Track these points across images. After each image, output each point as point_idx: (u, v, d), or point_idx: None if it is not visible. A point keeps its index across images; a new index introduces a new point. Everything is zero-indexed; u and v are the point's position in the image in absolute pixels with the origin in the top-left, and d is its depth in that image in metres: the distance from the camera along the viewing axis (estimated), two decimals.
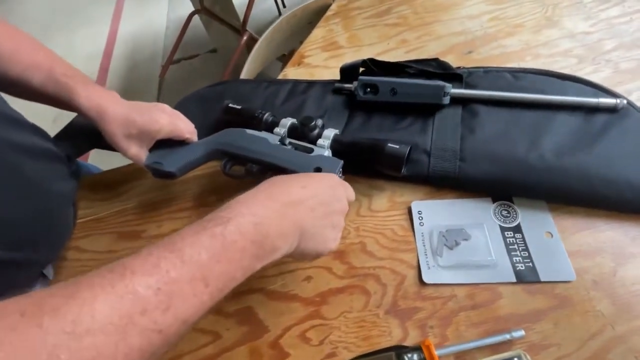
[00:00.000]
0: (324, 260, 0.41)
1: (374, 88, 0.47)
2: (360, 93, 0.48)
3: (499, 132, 0.42)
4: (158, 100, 1.87)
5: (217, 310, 0.41)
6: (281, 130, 0.44)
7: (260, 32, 1.46)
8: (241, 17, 1.65)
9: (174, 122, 0.44)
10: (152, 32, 2.30)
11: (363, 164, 0.42)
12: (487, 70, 0.49)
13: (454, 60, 0.54)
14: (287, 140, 0.43)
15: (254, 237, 0.26)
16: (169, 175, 0.44)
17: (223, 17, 1.53)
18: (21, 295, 0.20)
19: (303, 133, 0.43)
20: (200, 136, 0.47)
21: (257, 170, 0.42)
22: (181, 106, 0.56)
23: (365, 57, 0.61)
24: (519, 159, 0.39)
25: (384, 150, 0.39)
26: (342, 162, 0.40)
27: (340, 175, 0.40)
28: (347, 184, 0.36)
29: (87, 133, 0.46)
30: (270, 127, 0.44)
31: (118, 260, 0.22)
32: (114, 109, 0.41)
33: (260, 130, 0.44)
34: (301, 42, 0.91)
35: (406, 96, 0.45)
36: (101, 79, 2.01)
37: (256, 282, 0.41)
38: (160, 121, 0.42)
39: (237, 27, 1.53)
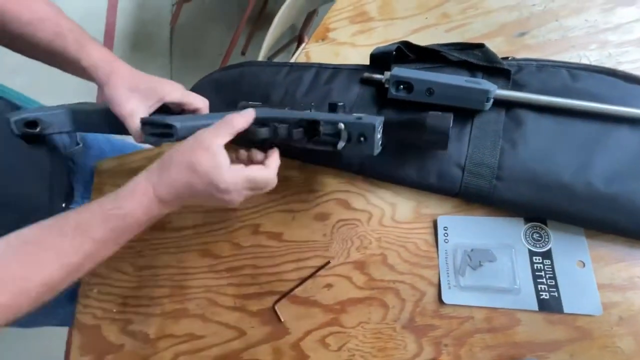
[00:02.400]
0: (344, 269, 0.42)
1: (408, 86, 0.42)
2: (393, 90, 0.43)
3: (544, 148, 0.38)
4: (170, 44, 1.78)
5: (242, 308, 0.43)
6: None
7: None
8: None
9: (186, 91, 0.42)
10: None
11: (404, 146, 0.40)
12: (541, 66, 0.43)
13: (502, 45, 0.47)
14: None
15: (146, 219, 0.35)
16: (168, 135, 0.36)
17: None
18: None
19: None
20: None
21: (283, 130, 0.37)
22: (197, 91, 0.53)
23: (398, 33, 0.54)
24: (563, 185, 0.36)
25: (425, 124, 0.36)
26: (382, 118, 0.37)
27: (380, 133, 0.36)
28: (241, 180, 0.35)
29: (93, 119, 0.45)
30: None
31: (51, 240, 0.33)
32: (123, 65, 0.40)
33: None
34: (326, 1, 0.81)
35: (444, 98, 0.41)
36: (111, 18, 1.91)
37: (278, 284, 0.43)
38: (172, 85, 0.41)
39: None
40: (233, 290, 0.44)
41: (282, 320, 0.41)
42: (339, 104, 0.39)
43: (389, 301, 0.39)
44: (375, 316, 0.39)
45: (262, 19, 1.58)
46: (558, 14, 0.48)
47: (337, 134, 0.36)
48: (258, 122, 0.37)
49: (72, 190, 0.54)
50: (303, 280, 0.42)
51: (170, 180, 0.34)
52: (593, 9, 0.47)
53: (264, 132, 0.36)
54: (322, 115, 0.37)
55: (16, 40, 0.40)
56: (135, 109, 0.39)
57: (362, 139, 0.35)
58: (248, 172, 0.35)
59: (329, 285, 0.42)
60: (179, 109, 0.42)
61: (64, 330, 1.24)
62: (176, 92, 0.40)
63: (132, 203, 0.34)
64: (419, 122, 0.37)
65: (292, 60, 0.55)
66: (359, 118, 0.36)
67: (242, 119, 0.36)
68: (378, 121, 0.35)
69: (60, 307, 0.51)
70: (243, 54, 1.62)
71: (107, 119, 0.41)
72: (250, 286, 0.44)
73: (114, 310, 0.48)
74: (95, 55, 0.39)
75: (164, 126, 0.36)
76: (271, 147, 0.38)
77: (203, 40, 1.77)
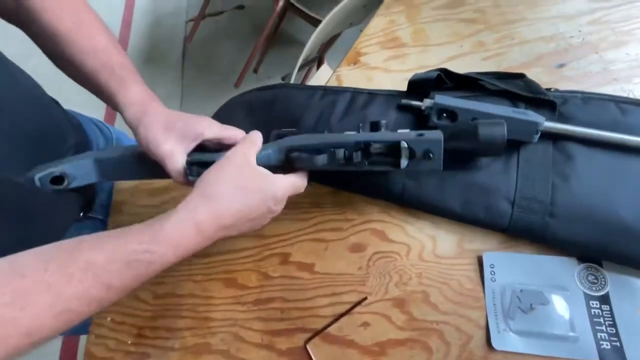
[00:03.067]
0: (382, 307, 0.39)
1: (452, 114, 0.41)
2: (434, 118, 0.42)
3: (600, 184, 0.36)
4: (183, 60, 1.79)
5: (270, 345, 0.40)
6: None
7: None
8: None
9: (223, 126, 0.39)
10: None
11: (457, 157, 0.38)
12: (587, 98, 0.42)
13: (541, 76, 0.46)
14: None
15: (174, 258, 0.31)
16: None
17: None
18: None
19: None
20: None
21: (340, 154, 0.35)
22: (225, 113, 0.52)
23: (433, 60, 0.53)
24: (622, 224, 0.34)
25: (477, 134, 0.35)
26: (441, 134, 0.34)
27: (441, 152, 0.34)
28: (287, 187, 0.35)
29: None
30: None
31: (63, 280, 0.27)
32: (159, 105, 0.38)
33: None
34: (351, 24, 0.82)
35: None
36: (124, 35, 1.93)
37: (310, 321, 0.40)
38: (208, 121, 0.38)
39: None
40: (260, 325, 0.41)
41: None
42: (382, 122, 0.37)
43: (432, 344, 0.37)
44: None
45: (276, 37, 1.60)
46: (597, 46, 0.48)
47: (398, 153, 0.34)
48: (309, 149, 0.36)
49: (94, 198, 0.52)
50: (338, 317, 0.39)
51: (222, 210, 0.31)
52: (634, 42, 0.47)
53: (321, 159, 0.35)
54: (382, 136, 0.35)
55: (67, 63, 0.40)
56: (173, 148, 0.36)
57: (428, 155, 0.34)
58: (293, 178, 0.36)
59: (365, 324, 0.39)
60: (215, 146, 0.39)
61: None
62: (213, 127, 0.37)
63: (165, 247, 0.29)
64: (471, 132, 0.35)
65: (323, 83, 0.54)
66: (421, 135, 0.34)
67: (258, 134, 0.37)
68: (440, 138, 0.34)
69: None
70: (255, 71, 1.64)
71: (140, 163, 0.39)
72: (279, 321, 0.41)
73: (129, 342, 0.44)
74: (133, 95, 0.38)
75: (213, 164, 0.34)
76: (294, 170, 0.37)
77: (215, 57, 1.79)
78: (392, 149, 0.34)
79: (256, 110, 0.50)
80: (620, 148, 0.37)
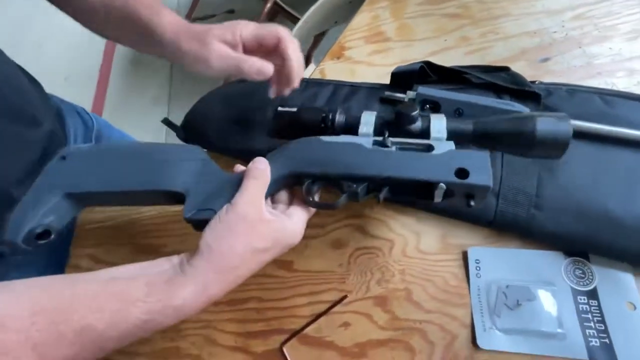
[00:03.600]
0: (363, 306, 0.37)
1: (435, 105, 0.40)
2: (418, 109, 0.40)
3: (587, 176, 0.35)
4: (172, 65, 1.77)
5: (244, 348, 0.38)
6: (366, 127, 0.33)
7: None
8: None
9: (260, 25, 0.38)
10: None
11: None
12: (572, 90, 0.41)
13: (525, 69, 0.46)
14: (389, 141, 0.31)
15: (171, 317, 0.27)
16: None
17: None
18: None
19: (400, 129, 0.32)
20: (232, 144, 0.41)
21: (363, 191, 0.31)
22: (203, 106, 0.50)
23: (417, 55, 0.53)
24: (609, 216, 0.33)
25: (535, 137, 0.28)
26: (488, 154, 0.29)
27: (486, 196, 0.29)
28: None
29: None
30: (345, 132, 0.34)
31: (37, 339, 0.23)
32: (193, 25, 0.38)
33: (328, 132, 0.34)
34: (336, 23, 0.81)
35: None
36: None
37: (287, 321, 0.38)
38: (242, 23, 0.37)
39: None
40: (235, 326, 0.39)
41: None
42: (414, 114, 0.32)
43: (415, 344, 0.35)
44: None
45: None
46: (581, 41, 0.48)
47: (431, 190, 0.29)
48: (320, 178, 0.32)
49: None
50: (316, 317, 0.37)
51: (240, 277, 0.29)
52: (616, 38, 0.47)
53: (342, 200, 0.31)
54: (416, 173, 0.29)
55: (91, 9, 0.39)
56: (221, 47, 0.36)
57: (470, 198, 0.29)
58: (305, 215, 0.33)
59: (346, 324, 0.37)
60: (255, 46, 0.37)
61: None
62: (250, 26, 0.37)
63: (172, 319, 0.27)
64: (526, 132, 0.29)
65: (307, 76, 0.52)
66: (464, 176, 0.28)
67: (265, 166, 0.32)
68: (487, 163, 0.29)
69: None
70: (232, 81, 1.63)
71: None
72: (255, 322, 0.39)
73: None
74: (168, 16, 0.37)
75: None
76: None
77: None
78: (426, 186, 0.29)
79: (233, 102, 0.48)
80: (606, 139, 0.37)
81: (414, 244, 0.39)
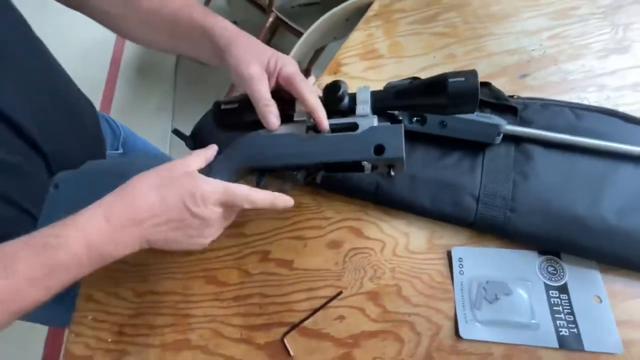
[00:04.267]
0: (357, 300, 0.41)
1: (422, 118, 0.44)
2: (406, 122, 0.45)
3: (556, 182, 0.39)
4: (175, 72, 1.82)
5: (248, 340, 0.41)
6: (301, 116, 0.35)
7: (284, 5, 1.38)
8: None
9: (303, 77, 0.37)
10: None
11: (420, 174, 0.40)
12: (546, 104, 0.45)
13: (506, 85, 0.50)
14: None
15: (88, 255, 0.29)
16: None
17: None
18: None
19: (331, 108, 0.35)
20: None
21: (302, 176, 0.37)
22: (204, 124, 0.54)
23: (408, 70, 0.57)
24: (576, 217, 0.37)
25: (447, 89, 0.31)
26: (402, 126, 0.33)
27: (405, 143, 0.33)
28: (232, 190, 0.32)
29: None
30: (283, 118, 0.36)
31: None
32: (248, 34, 0.39)
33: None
34: (335, 38, 0.86)
35: (456, 131, 0.42)
36: (118, 46, 1.97)
37: (287, 315, 0.41)
38: (291, 62, 0.37)
39: (260, 4, 1.46)
40: (239, 320, 0.42)
41: (292, 354, 0.39)
42: (341, 86, 0.35)
43: (404, 335, 0.38)
44: (390, 350, 0.38)
45: None
46: (557, 58, 0.52)
47: (360, 166, 0.35)
48: (265, 170, 0.37)
49: None
50: (314, 311, 0.41)
51: (135, 202, 0.30)
52: (589, 56, 0.51)
53: (287, 187, 0.37)
54: (342, 156, 0.34)
55: (142, 16, 0.40)
56: (262, 74, 0.35)
57: (391, 168, 0.34)
58: (234, 186, 0.32)
59: (341, 317, 0.40)
60: (286, 95, 0.37)
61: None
62: (293, 66, 0.37)
63: (73, 230, 0.28)
64: (439, 85, 0.32)
65: None
66: (380, 153, 0.32)
67: (212, 147, 0.36)
68: (400, 135, 0.32)
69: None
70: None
71: None
72: (258, 316, 0.42)
73: (109, 340, 0.44)
74: (222, 22, 0.38)
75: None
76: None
77: (207, 70, 1.82)
78: (354, 163, 0.34)
79: None
80: (575, 149, 0.41)
81: (404, 244, 0.43)
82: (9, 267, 0.27)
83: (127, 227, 0.30)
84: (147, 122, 1.74)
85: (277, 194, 0.35)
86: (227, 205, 0.33)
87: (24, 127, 0.42)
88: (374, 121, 0.34)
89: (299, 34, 1.40)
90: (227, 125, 0.39)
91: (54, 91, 0.48)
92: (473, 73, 0.31)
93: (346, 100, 0.35)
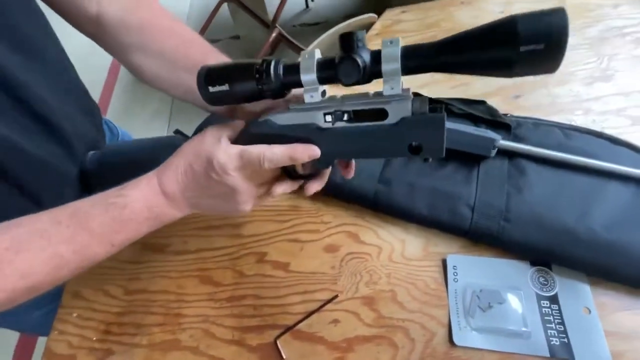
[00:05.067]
0: (352, 305, 0.41)
1: None
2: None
3: (548, 196, 0.41)
4: None
5: (240, 341, 0.40)
6: (316, 94, 0.28)
7: (285, 24, 1.43)
8: (268, 8, 1.62)
9: None
10: (175, 11, 2.25)
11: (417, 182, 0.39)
12: (537, 123, 0.48)
13: (500, 104, 0.52)
14: (344, 107, 0.28)
15: (148, 215, 0.33)
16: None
17: (252, 8, 1.50)
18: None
19: (345, 78, 0.27)
20: None
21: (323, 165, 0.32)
22: (216, 119, 0.54)
23: (409, 85, 0.59)
24: (567, 230, 0.38)
25: (517, 34, 0.22)
26: (444, 117, 0.27)
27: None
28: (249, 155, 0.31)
29: None
30: (285, 84, 0.29)
31: (39, 221, 0.31)
32: None
33: (272, 93, 0.29)
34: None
35: (453, 143, 0.44)
36: None
37: (281, 317, 0.41)
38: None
39: (264, 20, 1.51)
40: (232, 321, 0.42)
41: (284, 357, 0.39)
42: (358, 33, 0.27)
43: (398, 341, 0.38)
44: (384, 356, 0.37)
45: None
46: (547, 83, 0.55)
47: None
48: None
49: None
50: (309, 314, 0.40)
51: (172, 168, 0.33)
52: (576, 82, 0.55)
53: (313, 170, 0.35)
54: (367, 154, 0.30)
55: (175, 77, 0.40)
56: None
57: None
58: (244, 148, 0.31)
59: (335, 321, 0.40)
60: None
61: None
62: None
63: (135, 192, 0.32)
64: (505, 30, 0.22)
65: None
66: (416, 149, 0.27)
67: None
68: (444, 147, 0.27)
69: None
70: None
71: None
72: (251, 318, 0.41)
73: (94, 339, 0.43)
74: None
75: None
76: None
77: None
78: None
79: None
80: (565, 166, 0.43)
81: (400, 250, 0.43)
82: (83, 222, 0.31)
83: (177, 195, 0.33)
84: (142, 127, 1.74)
85: (295, 144, 0.31)
86: (248, 169, 0.32)
87: (54, 122, 0.43)
88: (408, 106, 0.27)
89: (299, 51, 1.44)
90: (218, 102, 0.32)
91: (71, 84, 0.49)
92: (557, 12, 0.21)
93: (369, 60, 0.26)
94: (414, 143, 0.28)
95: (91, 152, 0.51)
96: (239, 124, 0.34)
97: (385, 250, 0.44)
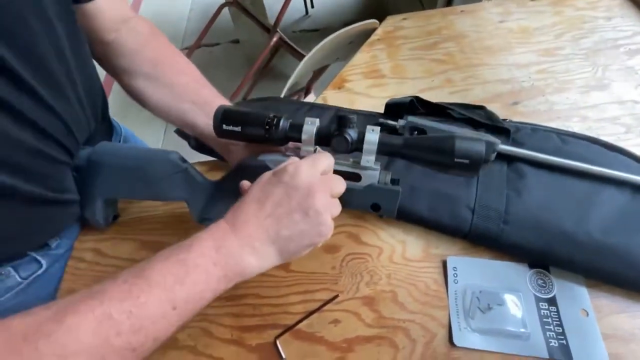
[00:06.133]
0: (353, 305, 0.41)
1: (422, 132, 0.46)
2: (407, 134, 0.47)
3: (546, 199, 0.41)
4: None
5: (240, 341, 0.40)
6: (307, 135, 0.36)
7: (285, 30, 1.44)
8: (269, 13, 1.63)
9: None
10: (175, 13, 2.27)
11: (419, 184, 0.41)
12: (535, 129, 0.49)
13: (499, 110, 0.53)
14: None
15: (217, 259, 0.29)
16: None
17: (253, 13, 1.52)
18: (24, 314, 0.24)
19: (336, 147, 0.35)
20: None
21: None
22: None
23: (409, 90, 0.60)
24: (565, 233, 0.39)
25: (453, 153, 0.32)
26: (399, 192, 0.36)
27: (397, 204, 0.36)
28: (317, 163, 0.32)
29: None
30: (288, 137, 0.37)
31: (98, 284, 0.26)
32: None
33: (275, 141, 0.36)
34: (338, 59, 0.90)
35: None
36: None
37: (281, 317, 0.41)
38: None
39: (265, 24, 1.52)
40: (231, 320, 0.41)
41: (284, 357, 0.38)
42: (351, 117, 0.35)
43: (399, 341, 0.38)
44: (384, 357, 0.37)
45: (266, 70, 1.70)
46: (544, 90, 0.57)
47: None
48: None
49: None
50: (309, 314, 0.40)
51: (239, 203, 0.31)
52: (573, 90, 0.56)
53: None
54: (344, 204, 0.35)
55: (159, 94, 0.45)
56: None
57: (379, 207, 0.36)
58: (315, 156, 0.32)
59: (336, 321, 0.40)
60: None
61: None
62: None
63: (200, 234, 0.29)
64: (446, 147, 0.32)
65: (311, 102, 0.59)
66: (376, 207, 0.36)
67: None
68: (396, 201, 0.36)
69: None
70: (244, 99, 1.71)
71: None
72: (251, 317, 0.41)
73: None
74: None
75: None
76: None
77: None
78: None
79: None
80: (563, 170, 0.44)
81: (400, 251, 0.44)
82: (140, 271, 0.27)
83: (248, 227, 0.30)
84: (141, 127, 1.73)
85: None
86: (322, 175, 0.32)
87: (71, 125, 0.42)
88: (376, 176, 0.36)
89: (299, 56, 1.45)
90: (225, 137, 0.38)
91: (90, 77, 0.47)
92: (481, 142, 0.32)
93: (354, 139, 0.35)
94: (375, 203, 0.37)
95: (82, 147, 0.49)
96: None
97: (385, 251, 0.44)
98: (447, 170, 0.33)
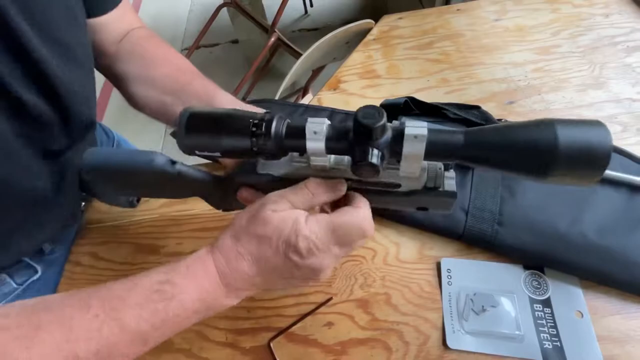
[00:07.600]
0: (347, 307, 0.41)
1: None
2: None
3: (541, 200, 0.41)
4: None
5: (234, 344, 0.40)
6: (315, 143, 0.25)
7: (285, 29, 1.44)
8: (267, 13, 1.63)
9: None
10: (175, 14, 2.27)
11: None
12: None
13: (494, 110, 0.53)
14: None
15: (198, 308, 0.27)
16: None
17: (251, 13, 1.52)
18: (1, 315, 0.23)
19: (362, 175, 0.26)
20: None
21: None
22: None
23: (404, 90, 0.60)
24: (559, 234, 0.38)
25: (557, 150, 0.20)
26: (454, 199, 0.27)
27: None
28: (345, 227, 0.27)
29: None
30: (284, 147, 0.26)
31: (69, 312, 0.24)
32: None
33: (267, 155, 0.27)
34: (335, 59, 0.90)
35: None
36: None
37: (275, 320, 0.41)
38: None
39: (264, 24, 1.52)
40: (226, 323, 0.41)
41: None
42: (380, 116, 0.24)
43: (392, 344, 0.38)
44: (378, 359, 0.37)
45: (265, 70, 1.70)
46: (540, 89, 0.56)
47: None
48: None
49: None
50: (302, 317, 0.40)
51: (235, 255, 0.26)
52: (569, 89, 0.55)
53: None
54: (388, 205, 0.29)
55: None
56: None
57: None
58: (332, 218, 0.26)
59: (330, 324, 0.40)
60: None
61: None
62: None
63: (187, 281, 0.26)
64: (542, 139, 0.21)
65: (306, 103, 0.59)
66: (423, 208, 0.29)
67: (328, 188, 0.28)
68: (452, 204, 0.28)
69: None
70: (244, 100, 1.71)
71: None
72: (245, 320, 0.41)
73: None
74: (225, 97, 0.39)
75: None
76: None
77: None
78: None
79: None
80: None
81: (394, 253, 0.43)
82: (116, 312, 0.24)
83: (241, 286, 0.28)
84: (138, 131, 1.74)
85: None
86: (340, 241, 0.28)
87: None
88: (421, 181, 0.28)
89: (298, 56, 1.45)
90: (194, 153, 0.29)
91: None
92: (600, 126, 0.20)
93: (386, 136, 0.25)
94: (421, 206, 0.30)
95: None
96: (301, 187, 0.28)
97: (380, 253, 0.44)
98: (545, 175, 0.21)
